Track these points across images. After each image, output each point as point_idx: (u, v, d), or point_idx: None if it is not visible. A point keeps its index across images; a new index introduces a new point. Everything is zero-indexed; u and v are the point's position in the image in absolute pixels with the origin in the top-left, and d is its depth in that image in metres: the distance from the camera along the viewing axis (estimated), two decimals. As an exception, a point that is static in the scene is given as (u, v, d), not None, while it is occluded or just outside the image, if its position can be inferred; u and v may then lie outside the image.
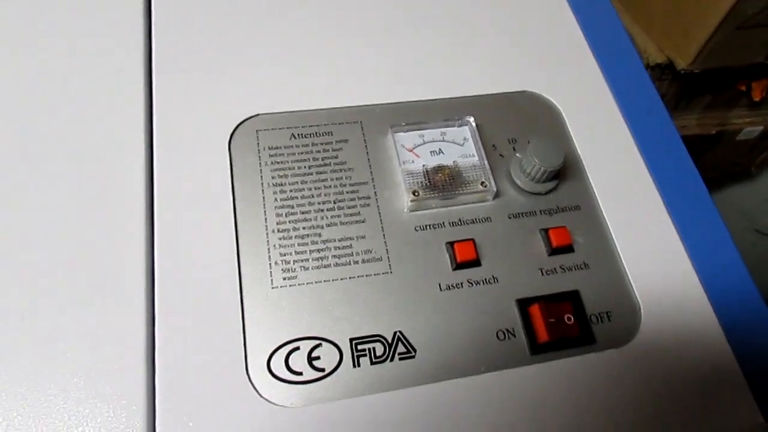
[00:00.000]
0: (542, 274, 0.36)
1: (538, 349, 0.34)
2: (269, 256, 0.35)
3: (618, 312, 0.35)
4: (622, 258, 0.37)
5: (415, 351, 0.33)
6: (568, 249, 0.37)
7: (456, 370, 0.33)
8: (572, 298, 0.35)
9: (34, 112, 0.37)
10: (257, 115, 0.39)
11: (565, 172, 0.39)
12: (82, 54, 0.40)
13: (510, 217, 0.37)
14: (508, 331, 0.34)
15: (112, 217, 0.34)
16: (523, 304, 0.35)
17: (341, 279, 0.35)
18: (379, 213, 0.37)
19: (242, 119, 0.39)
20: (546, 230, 0.37)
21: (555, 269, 0.36)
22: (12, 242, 0.33)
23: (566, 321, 0.34)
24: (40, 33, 0.41)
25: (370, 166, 0.38)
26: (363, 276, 0.35)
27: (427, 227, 0.37)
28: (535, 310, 0.34)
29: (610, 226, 0.38)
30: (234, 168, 0.37)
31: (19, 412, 0.29)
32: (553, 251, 0.36)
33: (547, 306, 0.34)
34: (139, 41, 0.41)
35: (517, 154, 0.39)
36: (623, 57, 0.44)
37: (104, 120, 0.37)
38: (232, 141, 0.38)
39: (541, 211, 0.38)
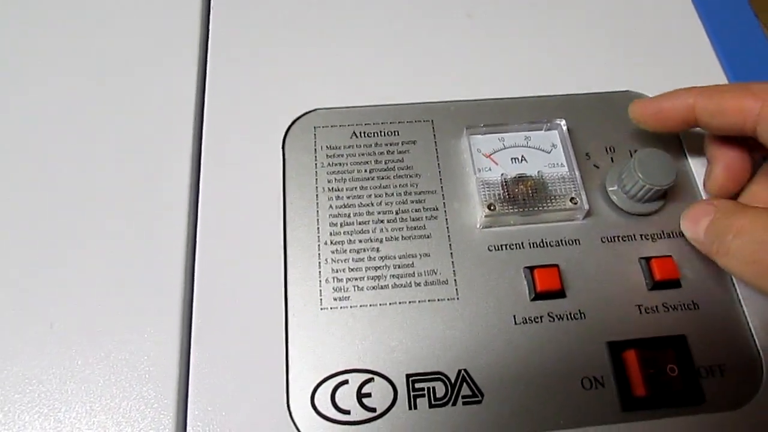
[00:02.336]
0: (640, 313, 0.30)
1: (633, 405, 0.28)
2: (320, 272, 0.31)
3: (733, 365, 0.29)
4: (741, 298, 0.30)
5: (482, 395, 0.28)
6: (673, 284, 0.30)
7: (529, 422, 0.28)
8: (677, 345, 0.29)
9: (76, 100, 0.35)
10: (316, 109, 0.35)
11: (674, 190, 0.32)
12: (133, 35, 0.37)
13: (603, 241, 0.32)
14: (595, 379, 0.29)
15: (152, 218, 0.31)
16: (616, 348, 0.29)
17: (399, 303, 0.30)
18: (448, 228, 0.32)
19: (299, 114, 0.35)
20: (647, 259, 0.31)
21: (656, 308, 0.30)
22: (49, 243, 0.31)
23: (669, 373, 0.28)
24: (94, 16, 0.38)
25: (440, 172, 0.33)
26: (425, 301, 0.30)
27: (503, 247, 0.31)
28: (630, 356, 0.29)
29: (727, 258, 0.31)
30: (287, 169, 0.33)
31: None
32: (656, 285, 0.30)
33: (646, 353, 0.29)
34: (195, 24, 0.37)
35: (616, 167, 0.33)
36: (754, 55, 0.37)
37: (150, 108, 0.34)
38: (287, 138, 0.34)
39: (642, 236, 0.32)
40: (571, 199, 0.32)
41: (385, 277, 0.31)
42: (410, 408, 0.28)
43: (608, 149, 0.34)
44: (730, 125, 0.29)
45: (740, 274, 0.27)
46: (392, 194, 0.33)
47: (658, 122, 0.31)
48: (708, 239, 0.28)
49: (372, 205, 0.32)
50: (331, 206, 0.32)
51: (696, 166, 0.34)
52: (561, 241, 0.32)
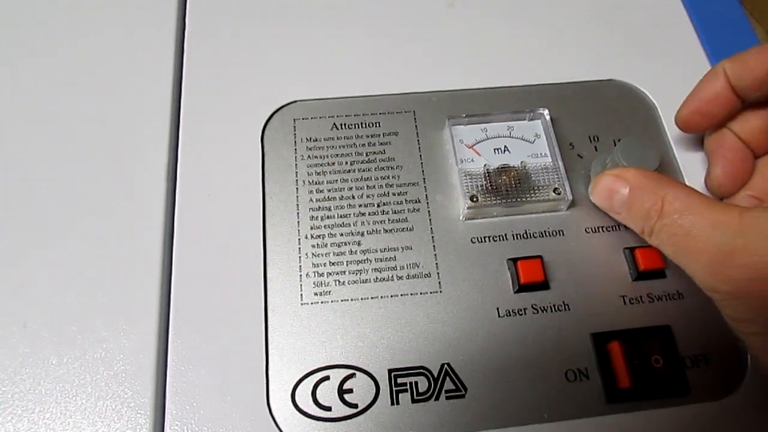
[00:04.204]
0: (625, 303, 0.30)
1: (617, 397, 0.27)
2: (300, 267, 0.30)
3: (718, 355, 0.29)
4: (726, 287, 0.30)
5: (465, 389, 0.28)
6: (658, 274, 0.30)
7: (513, 416, 0.27)
8: (662, 336, 0.29)
9: (50, 92, 0.34)
10: (295, 101, 0.34)
11: (658, 179, 0.32)
12: (110, 28, 0.36)
13: (587, 232, 0.31)
14: (579, 371, 0.28)
15: (128, 213, 0.31)
16: (600, 340, 0.29)
17: (381, 297, 0.30)
18: (430, 220, 0.31)
19: (278, 106, 0.34)
20: (632, 249, 0.30)
21: (641, 298, 0.30)
22: (21, 240, 0.30)
23: (653, 363, 0.28)
24: (71, 4, 0.37)
25: (422, 164, 0.33)
26: (408, 294, 0.30)
27: (486, 239, 0.31)
28: (614, 347, 0.28)
29: (711, 248, 0.31)
30: (266, 162, 0.32)
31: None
32: (640, 275, 0.30)
33: (630, 344, 0.28)
34: (172, 15, 0.37)
35: (600, 156, 0.32)
36: (738, 41, 0.36)
37: (126, 102, 0.34)
38: (266, 131, 0.33)
39: (626, 226, 0.31)
40: (555, 189, 0.31)
41: (367, 270, 0.30)
42: (392, 403, 0.27)
43: (592, 138, 0.34)
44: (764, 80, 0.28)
45: (664, 253, 0.28)
46: (374, 186, 0.32)
47: (705, 112, 0.31)
48: (633, 217, 0.28)
49: (353, 197, 0.32)
50: (311, 199, 0.32)
51: (680, 154, 0.33)
52: (544, 232, 0.31)
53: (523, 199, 0.31)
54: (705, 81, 0.30)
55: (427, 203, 0.32)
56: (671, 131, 0.34)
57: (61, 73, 0.35)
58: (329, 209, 0.31)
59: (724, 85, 0.30)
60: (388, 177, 0.32)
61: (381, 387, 0.28)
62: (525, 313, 0.29)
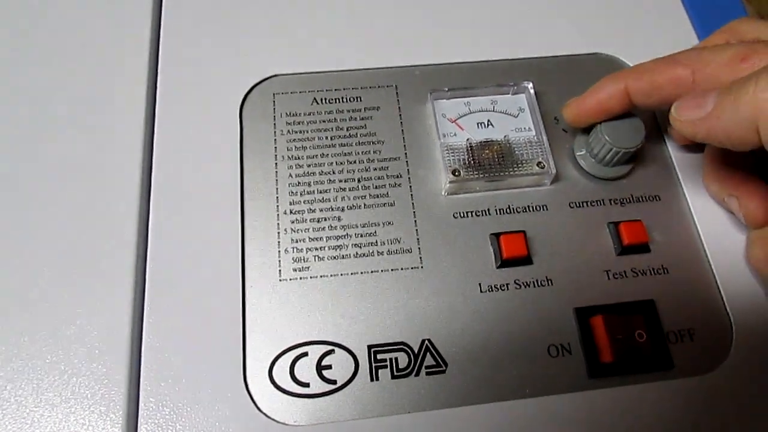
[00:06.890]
0: (608, 278, 0.29)
1: (600, 371, 0.27)
2: (279, 242, 0.29)
3: (703, 330, 0.28)
4: (711, 262, 0.30)
5: (446, 365, 0.27)
6: (642, 248, 0.30)
7: (495, 392, 0.27)
8: (646, 310, 0.28)
9: (28, 63, 0.33)
10: (275, 75, 0.34)
11: (643, 154, 0.32)
12: (85, 3, 0.35)
13: (571, 206, 0.31)
14: (562, 346, 0.28)
15: (103, 190, 0.30)
16: (583, 315, 0.28)
17: (362, 273, 0.29)
18: (412, 195, 0.31)
19: (257, 80, 0.33)
20: (616, 224, 0.30)
21: (625, 273, 0.29)
22: (-8, 214, 0.29)
23: (637, 338, 0.28)
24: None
25: (403, 139, 0.32)
26: (388, 270, 0.29)
27: (468, 214, 0.30)
28: (597, 322, 0.28)
29: (697, 223, 0.31)
30: (244, 136, 0.32)
31: (-18, 411, 0.26)
32: (624, 250, 0.30)
33: (614, 318, 0.28)
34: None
35: (584, 131, 0.32)
36: (724, 14, 0.36)
37: (102, 77, 0.33)
38: (245, 105, 0.33)
39: (610, 200, 0.31)
40: (538, 163, 0.31)
41: (347, 246, 0.30)
42: (372, 379, 0.27)
43: (577, 113, 0.33)
44: (668, 99, 0.28)
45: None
46: (354, 161, 0.31)
47: (600, 115, 0.30)
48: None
49: (333, 173, 0.31)
50: (290, 175, 0.31)
51: (665, 128, 0.33)
52: (528, 206, 0.31)
53: (506, 174, 0.30)
54: (604, 86, 0.30)
55: (409, 178, 0.31)
56: (657, 105, 0.33)
57: (36, 47, 0.34)
58: (309, 185, 0.31)
59: (622, 92, 0.29)
60: (369, 152, 0.32)
61: (360, 363, 0.27)
62: (507, 289, 0.29)
